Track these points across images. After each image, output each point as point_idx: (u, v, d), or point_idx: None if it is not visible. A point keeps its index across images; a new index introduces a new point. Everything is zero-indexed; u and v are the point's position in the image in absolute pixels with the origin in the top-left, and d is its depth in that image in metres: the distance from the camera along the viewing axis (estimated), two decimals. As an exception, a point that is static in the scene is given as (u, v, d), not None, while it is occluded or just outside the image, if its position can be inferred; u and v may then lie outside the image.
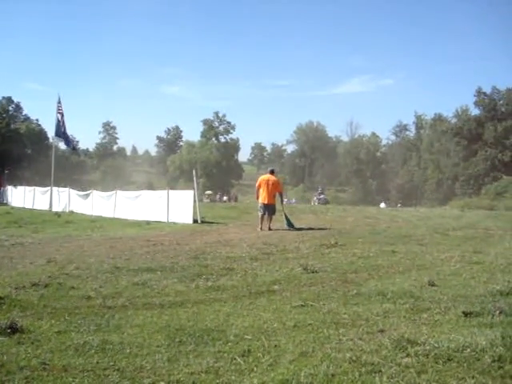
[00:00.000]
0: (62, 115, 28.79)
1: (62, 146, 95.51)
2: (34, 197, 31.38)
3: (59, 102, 28.79)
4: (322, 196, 43.38)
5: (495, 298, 6.23)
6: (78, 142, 32.17)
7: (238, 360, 4.28)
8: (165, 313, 5.94)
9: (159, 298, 6.72)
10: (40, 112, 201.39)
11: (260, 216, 16.25)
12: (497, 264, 9.02)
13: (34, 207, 30.14)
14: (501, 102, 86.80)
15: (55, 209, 27.49)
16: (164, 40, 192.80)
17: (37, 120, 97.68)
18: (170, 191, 20.99)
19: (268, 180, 16.54)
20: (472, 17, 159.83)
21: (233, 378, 3.89)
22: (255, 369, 4.09)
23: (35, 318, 5.66)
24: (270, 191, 16.38)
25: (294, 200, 67.24)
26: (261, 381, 3.76)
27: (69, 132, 30.39)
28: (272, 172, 17.02)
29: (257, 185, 16.71)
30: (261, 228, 15.90)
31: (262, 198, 16.35)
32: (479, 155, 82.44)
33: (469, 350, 4.26)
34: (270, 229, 15.95)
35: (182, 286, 7.46)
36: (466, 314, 5.47)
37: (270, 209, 16.29)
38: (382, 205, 52.78)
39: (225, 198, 68.11)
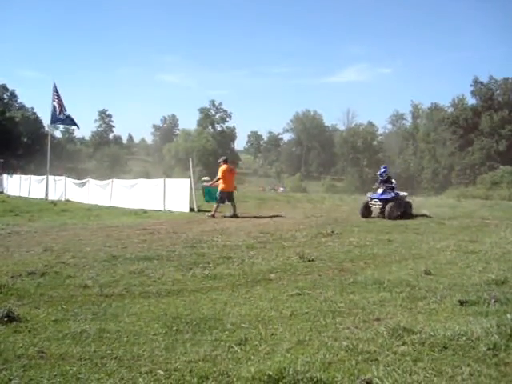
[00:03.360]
0: (60, 100, 28.53)
1: (58, 134, 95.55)
2: (30, 185, 31.27)
3: (55, 90, 28.56)
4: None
5: (490, 287, 6.28)
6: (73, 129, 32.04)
7: (235, 348, 4.30)
8: (162, 301, 5.95)
9: (156, 286, 6.72)
10: (35, 100, 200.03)
11: (217, 203, 17.20)
12: (492, 253, 9.07)
13: (30, 196, 30.03)
14: (497, 91, 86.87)
15: (51, 197, 27.40)
16: (161, 28, 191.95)
17: (32, 108, 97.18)
18: (167, 180, 20.96)
19: (230, 169, 17.78)
20: (470, 6, 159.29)
21: (230, 366, 3.90)
22: (252, 357, 4.10)
23: (32, 306, 5.65)
24: (232, 179, 17.67)
25: (282, 188, 68.70)
26: (258, 369, 3.77)
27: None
28: (227, 161, 18.07)
29: (221, 174, 17.51)
30: (213, 215, 16.88)
31: (227, 186, 17.36)
32: (475, 145, 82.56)
33: (464, 338, 4.30)
34: (236, 215, 16.98)
35: (179, 274, 7.47)
36: (461, 303, 5.51)
37: (232, 196, 17.55)
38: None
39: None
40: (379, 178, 17.12)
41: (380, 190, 16.66)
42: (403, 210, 16.61)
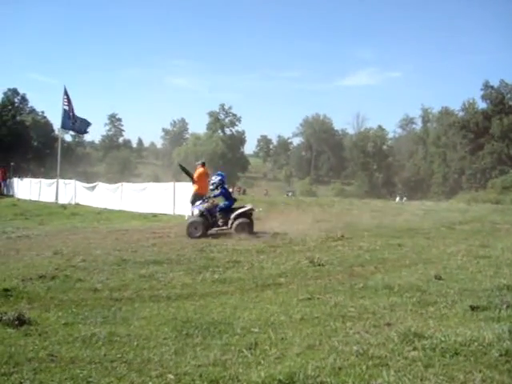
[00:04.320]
0: (70, 104, 28.67)
1: (68, 137, 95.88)
2: (40, 189, 31.43)
3: (65, 94, 28.72)
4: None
5: (502, 292, 6.22)
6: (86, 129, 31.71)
7: (245, 353, 4.29)
8: (171, 305, 5.95)
9: (166, 290, 6.73)
10: (46, 104, 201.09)
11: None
12: (504, 258, 9.00)
13: (40, 199, 30.18)
14: (508, 95, 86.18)
15: (61, 201, 27.53)
16: (171, 31, 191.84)
17: (42, 112, 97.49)
18: (176, 183, 20.97)
19: (207, 173, 17.68)
20: (480, 9, 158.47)
21: (240, 370, 3.89)
22: (262, 361, 4.09)
23: (42, 309, 5.68)
24: (207, 183, 17.30)
25: (290, 193, 70.15)
26: (268, 373, 3.76)
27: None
28: (204, 164, 18.05)
29: (197, 177, 17.38)
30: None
31: (202, 189, 17.09)
32: (486, 149, 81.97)
33: (476, 343, 4.26)
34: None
35: (189, 278, 7.48)
36: (472, 308, 5.46)
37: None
38: (398, 199, 52.43)
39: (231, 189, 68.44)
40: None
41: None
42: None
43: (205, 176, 17.55)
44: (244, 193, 63.37)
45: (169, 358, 4.21)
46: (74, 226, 15.45)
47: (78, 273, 7.73)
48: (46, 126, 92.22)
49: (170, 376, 3.80)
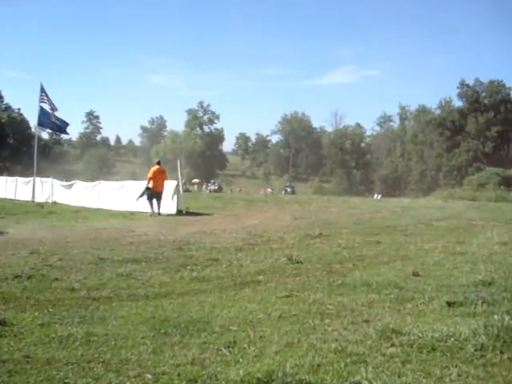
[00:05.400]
0: (50, 102, 28.24)
1: (45, 135, 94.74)
2: (16, 187, 30.95)
3: (43, 91, 28.25)
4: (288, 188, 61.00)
5: (478, 288, 6.30)
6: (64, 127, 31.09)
7: (224, 351, 4.28)
8: (150, 304, 5.91)
9: (144, 289, 6.68)
10: (22, 101, 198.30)
11: (151, 203, 18.71)
12: (479, 254, 9.13)
13: (16, 198, 29.69)
14: (483, 94, 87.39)
15: (38, 199, 27.14)
16: (150, 29, 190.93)
17: (19, 109, 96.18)
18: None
19: (161, 170, 19.20)
20: (457, 10, 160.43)
21: (218, 369, 3.88)
22: (241, 360, 4.08)
23: (18, 310, 5.59)
24: (161, 180, 18.91)
25: (269, 189, 69.10)
26: (246, 372, 3.75)
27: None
28: (160, 163, 19.80)
29: (151, 175, 18.93)
30: (152, 213, 18.42)
31: (157, 186, 18.71)
32: (462, 146, 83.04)
33: (452, 339, 4.30)
34: (159, 214, 18.47)
35: (167, 276, 7.44)
36: (449, 304, 5.52)
37: (161, 196, 18.91)
38: (376, 196, 53.11)
39: (212, 187, 67.18)
40: None
41: None
42: None
43: (158, 173, 18.94)
44: (220, 189, 63.44)
45: (147, 357, 4.17)
46: (51, 225, 15.25)
47: (54, 272, 7.63)
48: (23, 123, 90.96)
49: (148, 376, 3.77)
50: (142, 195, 18.93)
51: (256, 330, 4.86)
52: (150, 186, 18.71)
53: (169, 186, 19.97)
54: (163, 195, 19.41)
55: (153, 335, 4.74)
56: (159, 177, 18.95)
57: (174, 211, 19.07)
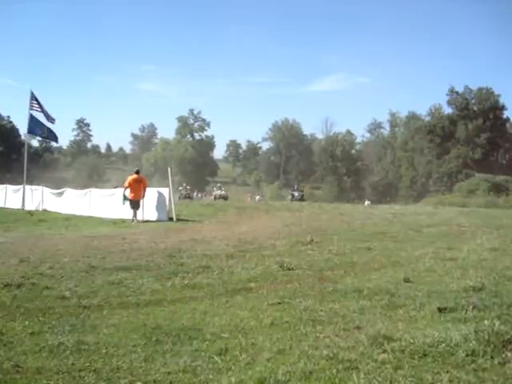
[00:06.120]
0: (43, 109, 28.16)
1: (35, 143, 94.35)
2: (6, 195, 30.68)
3: (34, 99, 28.10)
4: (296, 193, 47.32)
5: (468, 294, 6.34)
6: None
7: (216, 359, 4.27)
8: (141, 312, 5.90)
9: (135, 296, 6.66)
10: (11, 108, 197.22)
11: (134, 210, 19.07)
12: (469, 260, 9.17)
13: (6, 206, 29.48)
14: (473, 101, 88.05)
15: (28, 207, 26.93)
16: (140, 37, 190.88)
17: (8, 117, 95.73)
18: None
19: (137, 179, 19.50)
20: (447, 16, 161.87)
21: (210, 376, 3.87)
22: (233, 367, 4.08)
23: (8, 319, 5.55)
24: (139, 189, 19.20)
25: (258, 197, 66.80)
26: (238, 379, 3.75)
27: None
28: (138, 172, 20.37)
29: (127, 183, 19.47)
30: (133, 220, 18.78)
31: (134, 195, 19.10)
32: (452, 153, 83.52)
33: (443, 344, 4.32)
34: (137, 221, 18.70)
35: (158, 284, 7.42)
36: (440, 310, 5.55)
37: (138, 203, 19.21)
38: (366, 203, 53.15)
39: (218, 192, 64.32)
40: None
41: None
42: None
43: (134, 182, 19.32)
44: (226, 198, 61.89)
45: (138, 365, 4.16)
46: (42, 233, 15.17)
47: (45, 280, 7.58)
48: (12, 130, 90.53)
49: (140, 384, 3.76)
50: (125, 199, 19.45)
51: (248, 337, 4.86)
52: (127, 194, 19.27)
53: (159, 193, 19.97)
54: (146, 203, 19.76)
55: (144, 343, 4.72)
56: (135, 186, 19.32)
57: (165, 218, 19.05)
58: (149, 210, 19.83)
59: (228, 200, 43.27)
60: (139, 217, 19.06)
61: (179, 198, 38.17)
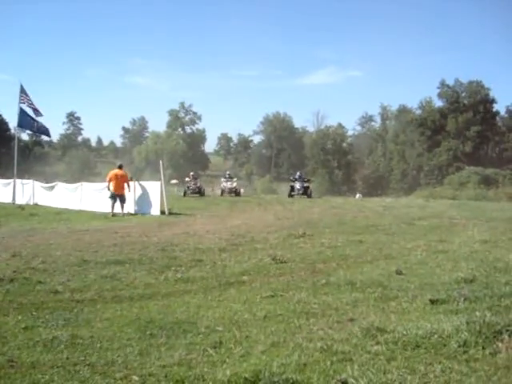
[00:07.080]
0: (31, 103, 27.95)
1: (25, 136, 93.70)
2: (-4, 189, 30.54)
3: (21, 92, 27.87)
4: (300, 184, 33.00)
5: (460, 286, 6.38)
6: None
7: (210, 352, 4.29)
8: (134, 306, 5.90)
9: (128, 290, 6.67)
10: (1, 102, 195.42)
11: (112, 203, 19.51)
12: (461, 252, 9.24)
13: (-4, 200, 29.35)
14: (463, 94, 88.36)
15: (19, 201, 26.80)
16: (130, 29, 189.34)
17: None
18: (137, 183, 20.77)
19: (117, 174, 19.91)
20: (437, 10, 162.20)
21: (205, 369, 3.88)
22: (227, 360, 4.09)
23: (1, 314, 5.54)
24: (119, 183, 19.65)
25: (242, 190, 64.05)
26: (233, 372, 3.76)
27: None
28: (120, 167, 20.64)
29: (108, 178, 19.91)
30: (113, 214, 19.13)
31: (116, 188, 19.56)
32: (442, 146, 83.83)
33: (436, 336, 4.36)
34: (123, 214, 19.12)
35: (151, 278, 7.43)
36: (432, 302, 5.59)
37: (121, 197, 19.62)
38: (358, 195, 53.37)
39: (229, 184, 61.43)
40: None
41: None
42: None
43: (115, 177, 19.77)
44: (239, 193, 60.64)
45: (133, 359, 4.17)
46: (33, 227, 15.10)
47: (37, 275, 7.57)
48: (1, 124, 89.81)
49: (135, 377, 3.77)
50: (111, 197, 19.79)
51: (242, 330, 4.88)
52: (110, 188, 19.68)
53: (152, 186, 19.94)
54: (138, 196, 20.17)
55: (138, 337, 4.73)
56: (116, 180, 19.69)
57: (157, 212, 19.03)
58: (141, 203, 19.82)
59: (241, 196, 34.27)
60: (125, 210, 19.54)
61: (184, 193, 31.90)
